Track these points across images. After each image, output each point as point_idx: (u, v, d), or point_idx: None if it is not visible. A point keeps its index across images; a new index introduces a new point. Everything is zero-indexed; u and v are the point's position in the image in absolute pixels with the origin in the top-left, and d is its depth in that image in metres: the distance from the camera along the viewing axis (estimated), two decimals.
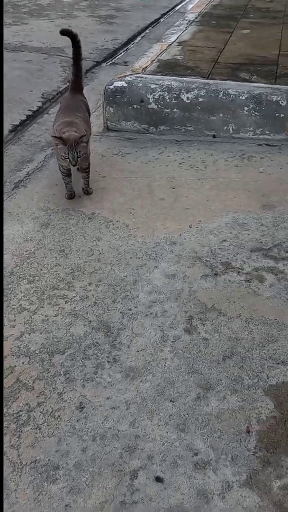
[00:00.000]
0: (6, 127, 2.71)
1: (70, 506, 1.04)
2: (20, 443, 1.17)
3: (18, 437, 1.18)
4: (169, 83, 2.60)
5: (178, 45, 3.27)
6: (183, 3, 5.53)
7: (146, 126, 2.67)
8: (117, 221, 1.98)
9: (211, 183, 2.23)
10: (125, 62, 3.83)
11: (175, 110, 2.59)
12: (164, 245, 1.84)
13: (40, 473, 1.10)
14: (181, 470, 1.11)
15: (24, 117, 2.87)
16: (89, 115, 2.25)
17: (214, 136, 2.61)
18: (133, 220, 1.99)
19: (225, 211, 2.03)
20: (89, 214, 2.04)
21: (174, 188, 2.20)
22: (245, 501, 1.05)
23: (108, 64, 3.86)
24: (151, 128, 2.67)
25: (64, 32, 2.09)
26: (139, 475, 1.10)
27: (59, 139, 1.89)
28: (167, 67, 2.86)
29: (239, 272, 1.70)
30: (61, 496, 1.06)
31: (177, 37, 3.44)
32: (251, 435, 1.17)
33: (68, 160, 1.92)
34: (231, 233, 1.90)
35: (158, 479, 1.08)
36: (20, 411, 1.24)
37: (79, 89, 2.19)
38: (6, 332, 1.48)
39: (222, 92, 2.52)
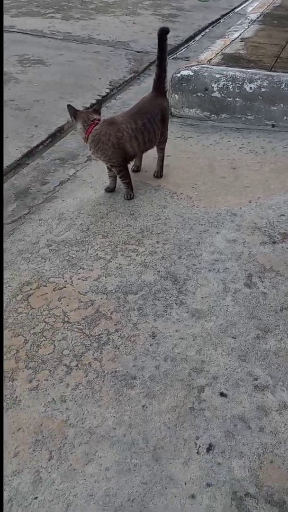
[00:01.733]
0: (79, 108, 2.94)
1: (147, 407, 1.22)
2: (102, 357, 1.36)
3: (100, 353, 1.37)
4: (233, 73, 2.76)
5: (241, 41, 3.43)
6: (242, 6, 5.69)
7: (208, 113, 2.84)
8: (181, 193, 2.16)
9: (270, 166, 2.37)
10: (187, 57, 4.02)
11: (237, 99, 2.75)
12: (225, 216, 2.00)
13: (120, 380, 1.29)
14: (242, 389, 1.26)
15: (94, 101, 3.10)
16: (165, 121, 2.14)
17: (273, 126, 2.75)
18: (196, 193, 2.16)
19: (284, 190, 2.17)
20: (155, 186, 2.22)
21: (234, 169, 2.36)
22: None
23: (170, 58, 4.05)
24: (213, 115, 2.83)
25: (164, 29, 2.11)
26: (205, 390, 1.26)
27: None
28: (230, 60, 3.02)
29: None
30: (139, 399, 1.24)
31: (240, 34, 3.60)
32: None
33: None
34: None
35: (222, 394, 1.24)
36: (101, 334, 1.43)
37: (160, 91, 2.13)
38: (85, 274, 1.68)
39: (284, 84, 2.66)
